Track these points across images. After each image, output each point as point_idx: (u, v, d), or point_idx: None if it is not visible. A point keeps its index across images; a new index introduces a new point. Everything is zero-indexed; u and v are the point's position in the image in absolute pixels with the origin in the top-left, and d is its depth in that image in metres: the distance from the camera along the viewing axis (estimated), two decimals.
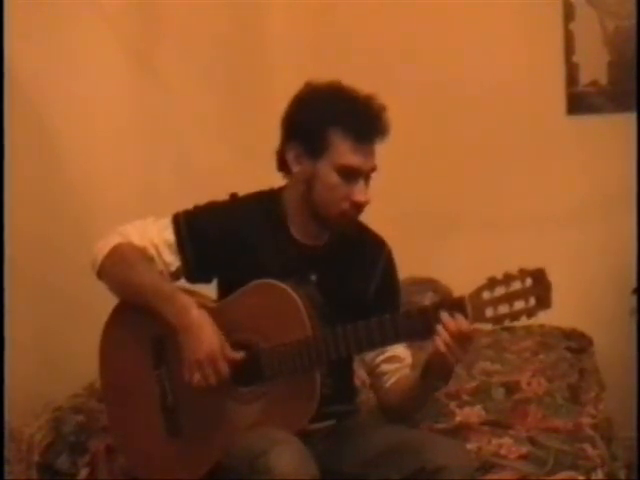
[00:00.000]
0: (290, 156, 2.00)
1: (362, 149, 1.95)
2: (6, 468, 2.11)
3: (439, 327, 1.83)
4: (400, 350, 2.09)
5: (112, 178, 2.74)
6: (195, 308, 1.93)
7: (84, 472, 2.16)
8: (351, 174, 1.95)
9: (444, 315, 1.83)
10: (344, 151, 1.94)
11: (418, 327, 1.86)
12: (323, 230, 2.04)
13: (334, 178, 1.95)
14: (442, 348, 1.83)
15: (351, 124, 1.94)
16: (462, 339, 1.83)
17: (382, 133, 1.98)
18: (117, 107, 2.79)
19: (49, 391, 2.36)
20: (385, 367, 2.09)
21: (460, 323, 1.82)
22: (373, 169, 1.99)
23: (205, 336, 1.91)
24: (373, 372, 2.12)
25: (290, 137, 2.00)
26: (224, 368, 1.91)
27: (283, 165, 2.04)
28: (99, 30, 2.70)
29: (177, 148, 3.05)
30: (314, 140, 1.95)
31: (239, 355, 1.93)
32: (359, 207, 1.98)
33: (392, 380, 2.09)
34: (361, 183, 1.96)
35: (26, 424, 2.20)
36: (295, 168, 2.00)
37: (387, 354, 2.08)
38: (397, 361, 2.09)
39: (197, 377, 1.91)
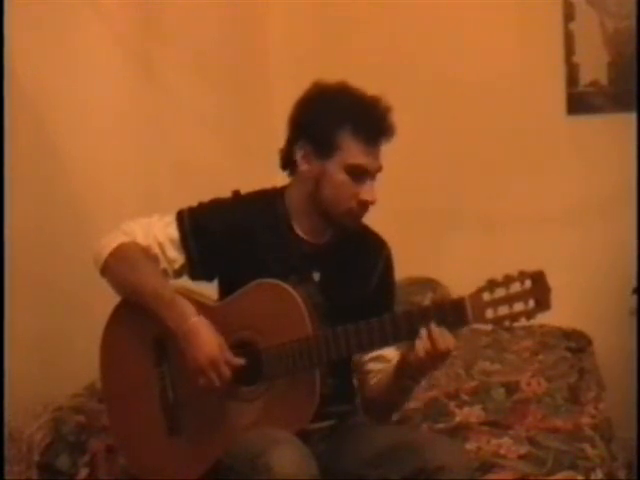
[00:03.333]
0: (298, 155, 2.01)
1: (371, 150, 1.98)
2: (6, 468, 2.10)
3: (422, 332, 1.84)
4: (388, 350, 2.08)
5: (112, 177, 2.74)
6: (194, 315, 1.94)
7: (84, 472, 2.16)
8: (360, 174, 1.97)
9: (432, 325, 1.84)
10: (354, 151, 1.96)
11: (418, 327, 1.86)
12: (327, 228, 2.05)
13: (343, 177, 1.97)
14: (421, 353, 1.84)
15: (361, 125, 1.96)
16: (441, 355, 1.84)
17: (388, 134, 2.00)
18: (117, 106, 2.79)
19: (49, 391, 2.36)
20: (370, 366, 2.10)
21: (445, 339, 1.83)
22: (379, 169, 2.01)
23: (204, 342, 1.91)
24: (359, 369, 2.13)
25: (298, 137, 2.01)
26: (226, 372, 1.91)
27: (287, 164, 2.05)
28: (98, 30, 2.70)
29: (177, 147, 3.05)
30: (324, 141, 1.97)
31: (240, 361, 1.93)
32: (366, 206, 2.00)
33: (376, 379, 2.09)
34: (369, 183, 1.98)
35: (26, 424, 2.19)
36: (303, 167, 2.01)
37: (373, 353, 2.08)
38: (383, 361, 2.09)
39: (201, 382, 1.92)
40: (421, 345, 1.84)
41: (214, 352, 1.90)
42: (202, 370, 1.91)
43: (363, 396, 2.14)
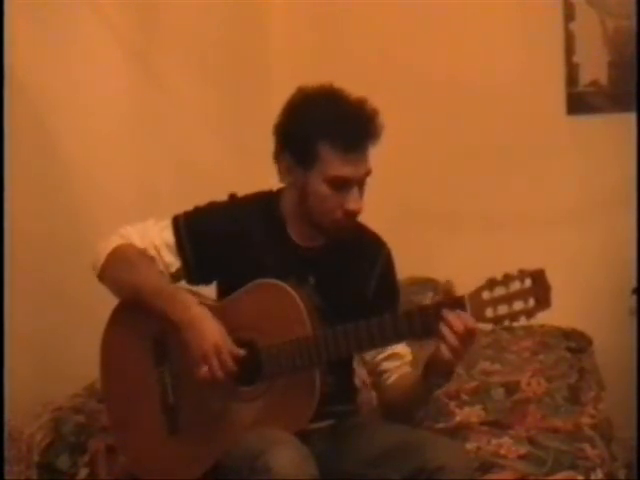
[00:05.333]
0: (282, 167, 2.01)
1: (352, 159, 1.94)
2: (6, 468, 2.10)
3: (444, 329, 1.82)
4: (400, 348, 2.09)
5: (112, 178, 2.74)
6: (196, 305, 1.94)
7: (84, 472, 2.16)
8: (342, 184, 1.94)
9: (449, 314, 1.82)
10: (333, 163, 1.93)
11: (418, 326, 1.86)
12: (319, 234, 2.04)
13: (325, 189, 1.95)
14: (446, 351, 1.83)
15: (340, 136, 1.92)
16: (467, 337, 1.82)
17: (374, 137, 1.96)
18: (117, 107, 2.79)
19: (49, 391, 2.36)
20: (385, 365, 2.10)
21: (465, 320, 1.82)
22: (367, 174, 1.98)
23: (208, 329, 1.90)
24: (374, 370, 2.12)
25: (281, 148, 2.00)
26: (229, 361, 1.90)
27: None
28: (98, 30, 2.70)
29: (177, 147, 3.05)
30: (303, 152, 1.95)
31: (241, 351, 1.92)
32: (352, 215, 1.98)
33: (393, 378, 2.09)
34: (354, 191, 1.96)
35: (26, 424, 2.19)
36: (287, 178, 2.01)
37: (387, 352, 2.08)
38: (397, 358, 2.09)
39: (204, 370, 1.90)
40: (446, 342, 1.82)
41: (217, 339, 1.90)
42: (205, 357, 1.89)
43: (381, 397, 2.14)
